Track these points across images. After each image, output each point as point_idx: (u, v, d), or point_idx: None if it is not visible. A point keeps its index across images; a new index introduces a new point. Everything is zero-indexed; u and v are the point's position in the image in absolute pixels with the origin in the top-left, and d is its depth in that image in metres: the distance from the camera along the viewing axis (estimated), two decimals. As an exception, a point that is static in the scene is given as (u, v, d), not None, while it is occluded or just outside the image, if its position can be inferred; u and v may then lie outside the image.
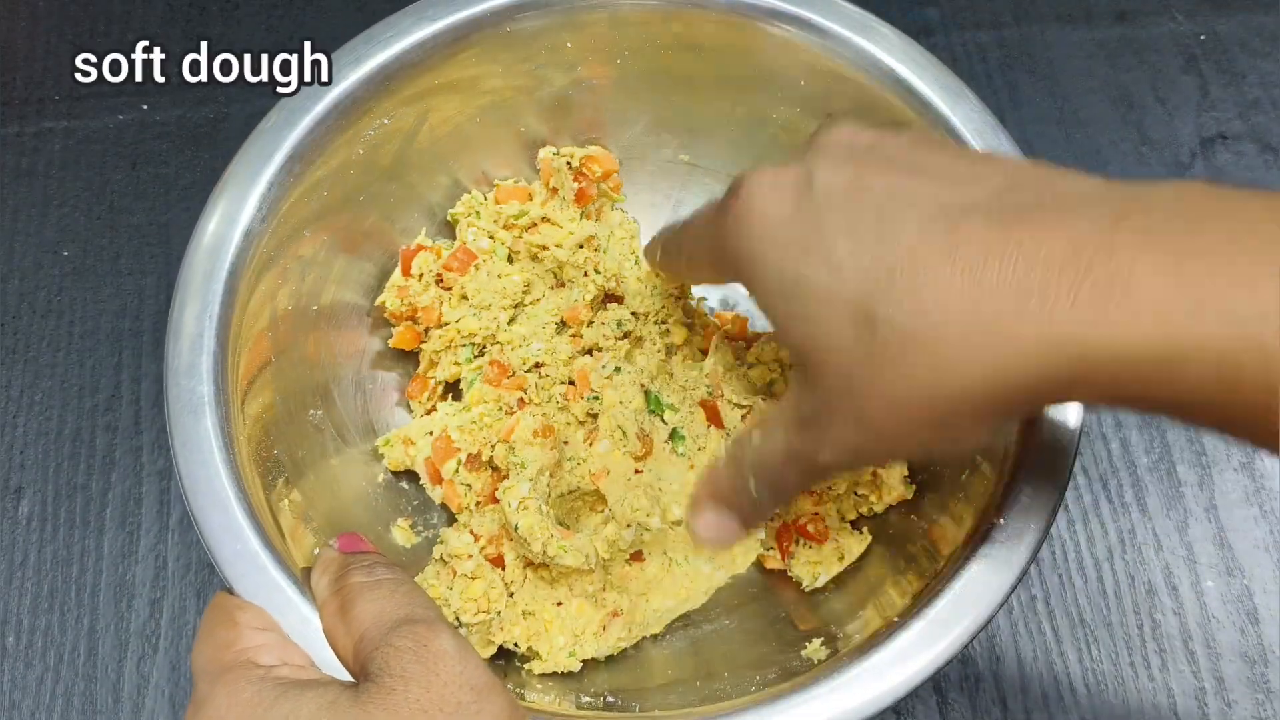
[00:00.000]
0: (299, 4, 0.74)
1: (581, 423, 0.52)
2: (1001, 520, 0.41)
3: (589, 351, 0.54)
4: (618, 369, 0.52)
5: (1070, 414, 0.43)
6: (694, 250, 0.43)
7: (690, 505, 0.43)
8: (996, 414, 0.32)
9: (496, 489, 0.49)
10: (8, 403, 0.61)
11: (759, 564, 0.53)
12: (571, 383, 0.53)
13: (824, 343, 0.33)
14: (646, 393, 0.53)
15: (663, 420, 0.53)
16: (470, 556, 0.49)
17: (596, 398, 0.51)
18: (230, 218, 0.46)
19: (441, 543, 0.50)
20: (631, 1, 0.52)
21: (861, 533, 0.51)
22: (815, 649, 0.45)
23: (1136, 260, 0.28)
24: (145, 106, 0.70)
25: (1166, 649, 0.55)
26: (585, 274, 0.55)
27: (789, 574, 0.52)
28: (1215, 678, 0.54)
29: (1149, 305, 0.28)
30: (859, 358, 0.32)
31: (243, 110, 0.70)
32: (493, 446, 0.51)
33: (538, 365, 0.54)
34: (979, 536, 0.41)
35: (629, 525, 0.48)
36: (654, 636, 0.51)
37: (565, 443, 0.51)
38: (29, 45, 0.73)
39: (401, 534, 0.52)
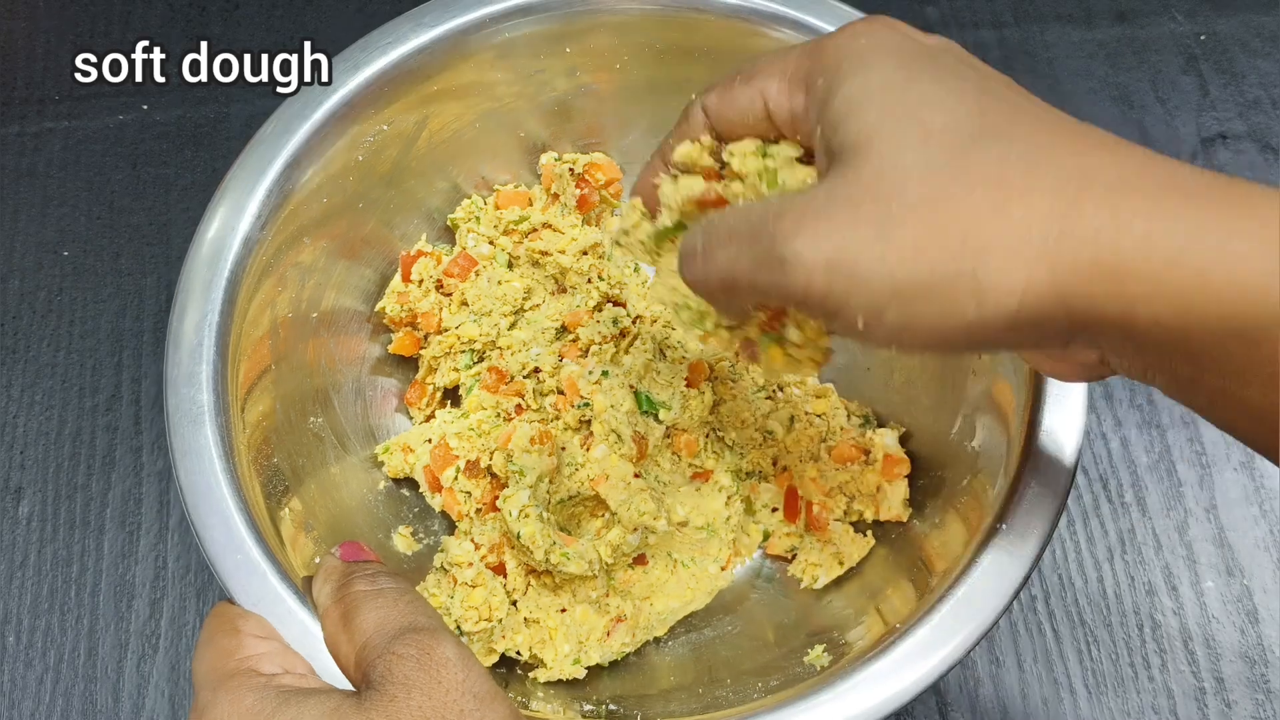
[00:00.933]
0: (299, 4, 0.74)
1: (576, 429, 0.52)
2: (1004, 526, 0.41)
3: (586, 352, 0.54)
4: (605, 373, 0.52)
5: (1072, 420, 0.43)
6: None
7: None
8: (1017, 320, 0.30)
9: (496, 497, 0.49)
10: (8, 403, 0.62)
11: (765, 555, 0.53)
12: (561, 392, 0.53)
13: (888, 157, 0.32)
14: (636, 394, 0.52)
15: (656, 419, 0.53)
16: (471, 565, 0.49)
17: (587, 404, 0.51)
18: (230, 225, 0.46)
19: (442, 551, 0.50)
20: (630, 7, 0.52)
21: (865, 535, 0.51)
22: (818, 655, 0.45)
23: (1136, 214, 0.30)
24: (145, 106, 0.70)
25: (1166, 649, 0.55)
26: (589, 280, 0.55)
27: (789, 572, 0.52)
28: (1215, 678, 0.54)
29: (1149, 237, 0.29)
30: (930, 172, 0.31)
31: (243, 110, 0.70)
32: (491, 454, 0.51)
33: (536, 370, 0.54)
34: (982, 542, 0.41)
35: (635, 529, 0.48)
36: (657, 642, 0.51)
37: (563, 449, 0.50)
38: (29, 45, 0.73)
39: (403, 541, 0.52)
